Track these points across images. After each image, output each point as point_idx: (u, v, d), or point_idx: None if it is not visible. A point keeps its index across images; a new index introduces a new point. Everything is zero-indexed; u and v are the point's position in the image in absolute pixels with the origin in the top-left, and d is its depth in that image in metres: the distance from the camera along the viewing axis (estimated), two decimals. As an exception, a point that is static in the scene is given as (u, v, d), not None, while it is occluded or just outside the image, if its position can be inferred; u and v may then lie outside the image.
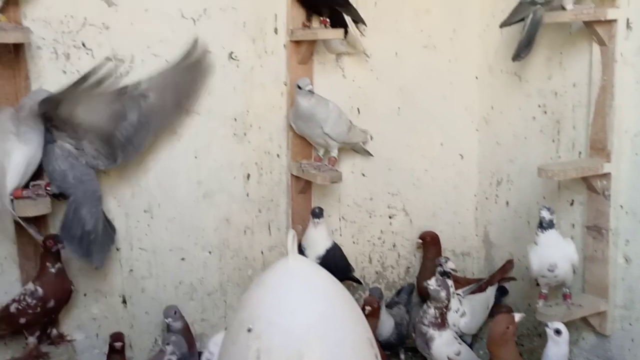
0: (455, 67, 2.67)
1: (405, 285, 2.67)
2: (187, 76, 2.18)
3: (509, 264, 2.57)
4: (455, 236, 2.79)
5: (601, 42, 2.08)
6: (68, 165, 1.95)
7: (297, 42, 2.34)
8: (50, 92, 1.88)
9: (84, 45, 2.09)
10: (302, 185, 2.44)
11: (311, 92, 2.21)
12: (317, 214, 2.29)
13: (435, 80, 2.65)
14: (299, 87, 2.22)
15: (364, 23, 2.38)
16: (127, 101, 2.00)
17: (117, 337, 2.10)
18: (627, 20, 2.03)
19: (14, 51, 1.92)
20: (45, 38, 2.03)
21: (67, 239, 1.90)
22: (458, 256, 2.81)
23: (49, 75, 2.05)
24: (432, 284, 2.08)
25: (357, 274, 2.61)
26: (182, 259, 2.36)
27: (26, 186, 1.92)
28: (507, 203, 2.64)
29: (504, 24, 2.26)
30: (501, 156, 2.64)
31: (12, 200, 1.87)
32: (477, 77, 2.69)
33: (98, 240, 1.96)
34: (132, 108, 2.02)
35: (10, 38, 1.79)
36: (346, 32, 2.33)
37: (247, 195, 2.43)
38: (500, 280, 2.53)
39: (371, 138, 2.56)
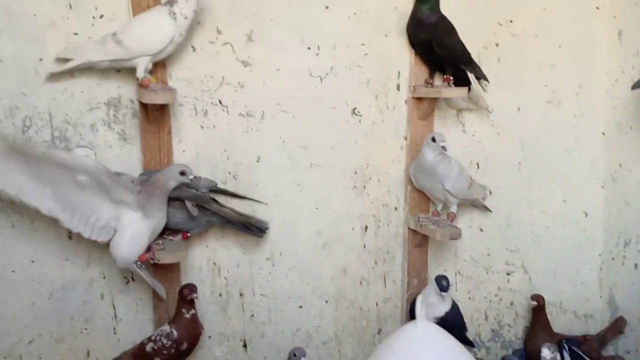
0: (580, 122, 2.59)
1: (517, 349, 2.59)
2: None
3: (621, 322, 2.46)
4: (577, 297, 2.67)
5: None
6: (186, 214, 2.09)
7: (419, 99, 2.38)
8: (182, 167, 2.01)
9: (220, 102, 2.23)
10: (419, 239, 2.44)
11: (444, 149, 2.23)
12: (445, 287, 2.24)
13: (558, 135, 2.59)
14: (433, 140, 2.24)
15: (486, 79, 2.39)
16: None
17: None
18: None
19: (160, 109, 2.09)
20: (186, 96, 2.19)
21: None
22: (580, 318, 2.69)
23: (188, 130, 2.20)
24: (545, 354, 1.99)
25: (472, 331, 2.57)
26: (300, 306, 2.42)
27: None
28: (636, 266, 2.50)
29: (636, 86, 2.18)
30: (630, 216, 2.52)
31: (139, 263, 2.01)
32: (603, 133, 2.60)
33: None
34: None
35: (160, 99, 1.95)
36: (469, 89, 2.35)
37: (364, 246, 2.47)
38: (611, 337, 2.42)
39: (490, 193, 2.53)
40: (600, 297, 2.67)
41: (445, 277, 2.26)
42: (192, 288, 2.04)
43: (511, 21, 2.47)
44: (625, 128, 2.52)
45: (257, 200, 2.27)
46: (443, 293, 2.24)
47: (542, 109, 2.56)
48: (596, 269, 2.67)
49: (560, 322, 2.65)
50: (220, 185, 2.23)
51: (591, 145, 2.61)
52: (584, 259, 2.66)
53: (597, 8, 2.54)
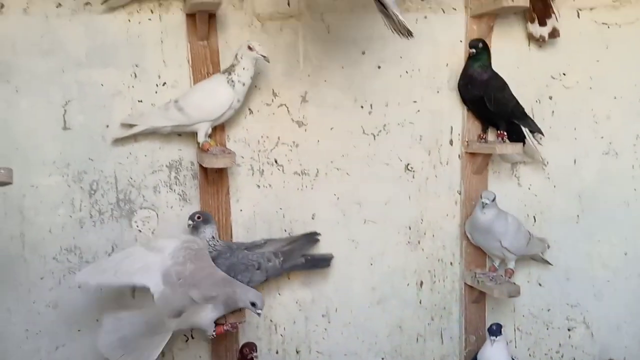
0: (638, 173, 2.54)
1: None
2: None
3: None
4: (644, 354, 2.58)
5: None
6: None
7: (473, 154, 2.38)
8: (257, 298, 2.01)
9: (276, 162, 2.29)
10: (476, 295, 2.41)
11: (484, 205, 2.21)
12: (495, 331, 2.23)
13: (617, 186, 2.54)
14: (483, 202, 2.21)
15: (541, 133, 2.37)
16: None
17: None
18: None
19: (218, 171, 2.15)
20: (244, 157, 2.25)
21: None
22: (647, 376, 2.59)
23: (245, 190, 2.26)
24: None
25: (533, 389, 2.50)
26: (356, 364, 2.41)
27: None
28: None
29: None
30: (697, 269, 2.43)
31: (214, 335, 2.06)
32: (665, 184, 2.54)
33: None
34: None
35: (220, 163, 2.01)
36: (524, 143, 2.34)
37: (420, 302, 2.45)
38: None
39: (548, 247, 2.49)
40: (669, 354, 2.57)
41: (496, 324, 2.23)
42: (252, 347, 2.06)
43: (564, 74, 2.46)
44: (688, 179, 2.46)
45: (314, 236, 2.28)
46: (492, 338, 2.20)
47: (599, 161, 2.52)
48: (663, 325, 2.58)
49: (626, 381, 2.56)
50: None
51: (652, 197, 2.55)
52: (648, 313, 2.58)
53: (652, 57, 2.51)
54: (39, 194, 2.08)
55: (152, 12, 2.11)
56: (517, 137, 2.35)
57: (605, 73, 2.49)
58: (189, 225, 2.07)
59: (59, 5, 2.03)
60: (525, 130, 2.35)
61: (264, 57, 2.04)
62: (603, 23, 2.47)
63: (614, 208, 2.54)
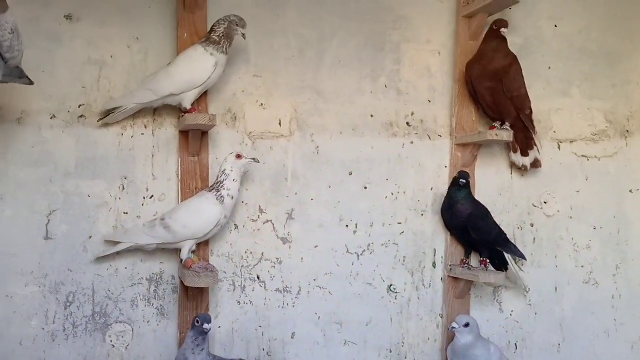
0: (619, 303, 2.55)
1: None
2: None
3: None
4: None
5: None
6: None
7: (455, 278, 2.38)
8: None
9: (258, 278, 2.26)
10: None
11: (454, 328, 2.18)
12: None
13: (597, 316, 2.54)
14: (455, 327, 2.20)
15: (524, 258, 2.39)
16: None
17: None
18: None
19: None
20: (226, 272, 2.23)
21: None
22: None
23: (225, 306, 2.22)
24: None
25: None
26: None
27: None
28: None
29: None
30: (678, 407, 2.40)
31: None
32: (645, 316, 2.56)
33: None
34: None
35: (202, 283, 1.98)
36: (506, 268, 2.36)
37: None
38: None
39: (530, 376, 2.46)
40: None
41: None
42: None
43: (545, 202, 2.52)
44: (667, 312, 2.47)
45: None
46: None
47: (579, 290, 2.54)
48: None
49: None
50: (253, 363, 2.21)
51: (631, 328, 2.55)
52: None
53: (630, 191, 2.58)
54: (14, 304, 2.03)
55: (145, 127, 2.15)
56: (500, 262, 2.37)
57: (586, 203, 2.55)
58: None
59: (53, 117, 2.07)
60: (508, 257, 2.37)
61: (254, 159, 2.08)
62: (583, 155, 2.56)
63: (595, 338, 2.53)
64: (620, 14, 2.59)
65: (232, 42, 2.09)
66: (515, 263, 2.41)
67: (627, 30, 2.60)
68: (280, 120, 2.31)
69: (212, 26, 2.09)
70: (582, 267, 2.54)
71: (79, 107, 2.09)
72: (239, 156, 2.08)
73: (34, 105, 2.05)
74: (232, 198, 2.07)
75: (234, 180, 2.07)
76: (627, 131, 2.60)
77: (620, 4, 2.59)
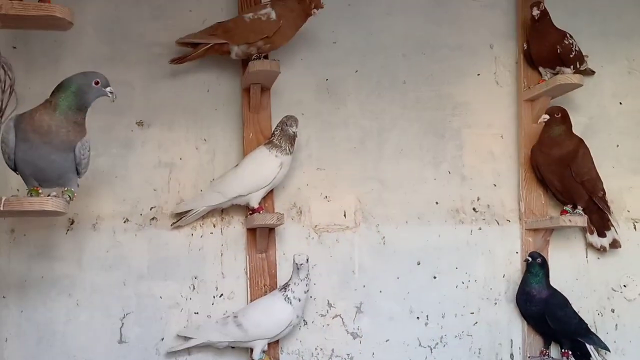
0: None
1: None
2: None
3: None
4: None
5: None
6: None
7: (537, 374, 2.27)
8: None
9: (330, 378, 2.21)
10: None
11: None
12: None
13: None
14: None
15: (607, 349, 2.26)
16: None
17: None
18: None
19: (270, 386, 2.09)
20: (298, 371, 2.19)
21: None
22: None
23: (296, 406, 2.17)
24: None
25: None
26: None
27: None
28: None
29: None
30: None
31: None
32: None
33: None
34: None
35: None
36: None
37: None
38: None
39: None
40: None
41: None
42: None
43: (625, 285, 2.41)
44: None
45: None
46: None
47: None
48: None
49: None
50: None
51: None
52: None
53: None
54: (90, 410, 2.03)
55: (214, 226, 2.18)
56: (581, 353, 2.24)
57: (669, 284, 2.42)
58: None
59: (127, 220, 2.12)
60: (590, 348, 2.24)
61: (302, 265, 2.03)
62: (661, 234, 2.45)
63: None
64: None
65: (293, 142, 2.12)
66: (598, 354, 2.28)
67: (694, 104, 2.53)
68: (345, 212, 2.31)
69: (273, 130, 2.13)
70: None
71: (151, 209, 2.14)
72: (297, 264, 2.03)
73: (108, 210, 2.11)
74: (300, 300, 2.04)
75: (296, 283, 2.04)
76: None
77: (683, 78, 2.53)
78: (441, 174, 2.39)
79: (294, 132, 2.10)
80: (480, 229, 2.37)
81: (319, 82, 2.34)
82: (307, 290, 2.07)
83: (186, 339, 2.07)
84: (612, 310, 2.39)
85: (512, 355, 2.32)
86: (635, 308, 2.40)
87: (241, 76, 2.20)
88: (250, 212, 2.11)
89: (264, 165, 2.07)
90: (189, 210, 2.10)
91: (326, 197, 2.30)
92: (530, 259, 2.21)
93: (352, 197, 2.31)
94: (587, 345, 2.24)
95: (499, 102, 2.45)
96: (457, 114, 2.43)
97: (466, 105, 2.44)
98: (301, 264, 2.01)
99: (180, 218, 2.11)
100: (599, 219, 2.33)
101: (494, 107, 2.45)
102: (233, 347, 2.11)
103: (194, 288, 2.14)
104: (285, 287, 2.05)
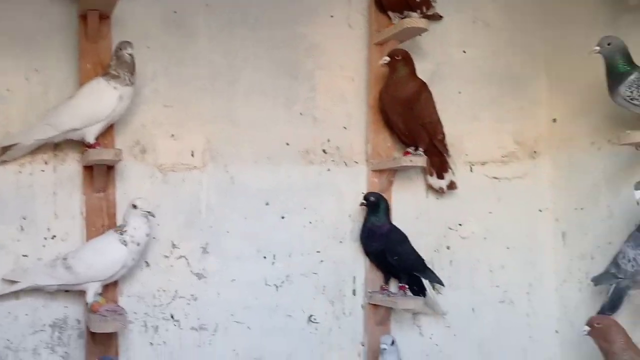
0: (533, 321, 2.62)
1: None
2: None
3: None
4: None
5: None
6: None
7: (375, 305, 2.37)
8: None
9: (172, 317, 2.18)
10: None
11: (393, 347, 2.20)
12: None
13: (513, 334, 2.59)
14: (385, 347, 2.20)
15: (441, 284, 2.41)
16: None
17: None
18: None
19: (109, 331, 2.02)
20: (137, 312, 2.13)
21: None
22: None
23: (137, 348, 2.13)
24: None
25: None
26: None
27: None
28: None
29: (596, 283, 2.25)
30: (591, 419, 2.48)
31: None
32: (557, 331, 2.62)
33: None
34: None
35: (110, 328, 1.89)
36: (424, 295, 2.37)
37: None
38: None
39: (451, 399, 2.47)
40: None
41: None
42: None
43: (460, 225, 2.56)
44: (579, 327, 2.54)
45: None
46: None
47: (495, 309, 2.59)
48: None
49: None
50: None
51: (546, 344, 2.62)
52: None
53: (540, 211, 2.67)
54: None
55: (45, 163, 2.04)
56: (418, 288, 2.37)
57: (498, 224, 2.61)
58: None
59: (-58, 154, 1.92)
60: (426, 283, 2.38)
61: (149, 213, 1.97)
62: (494, 177, 2.62)
63: (512, 356, 2.58)
64: (523, 40, 2.69)
65: (133, 70, 1.99)
66: (434, 288, 2.42)
67: (530, 55, 2.69)
68: (192, 151, 2.24)
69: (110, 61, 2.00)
70: (497, 287, 2.59)
71: (-28, 143, 1.95)
72: (134, 206, 1.97)
73: None
74: (138, 245, 1.97)
75: (135, 228, 1.96)
76: (535, 152, 2.68)
77: (523, 30, 2.68)
78: (293, 115, 2.39)
79: (129, 55, 1.96)
80: (329, 170, 2.41)
81: (166, 13, 2.23)
82: (149, 234, 2.00)
83: (12, 282, 1.94)
84: (448, 248, 2.54)
85: (354, 291, 2.41)
86: (468, 245, 2.57)
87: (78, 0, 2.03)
88: (86, 148, 1.98)
89: (101, 97, 1.94)
90: (16, 144, 1.92)
91: (173, 135, 2.21)
92: (364, 201, 2.28)
93: (201, 136, 2.25)
94: (423, 280, 2.38)
95: (351, 45, 2.46)
96: (310, 55, 2.42)
97: (319, 47, 2.43)
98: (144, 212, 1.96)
99: (4, 152, 1.94)
100: (439, 162, 2.44)
101: (346, 50, 2.46)
102: (66, 290, 2.01)
103: (22, 229, 2.00)
104: (122, 228, 1.96)
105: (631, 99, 2.02)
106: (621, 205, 2.35)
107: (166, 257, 2.18)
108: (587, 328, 1.98)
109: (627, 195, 2.30)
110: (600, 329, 1.96)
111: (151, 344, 2.14)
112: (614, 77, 2.06)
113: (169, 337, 2.16)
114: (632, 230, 2.16)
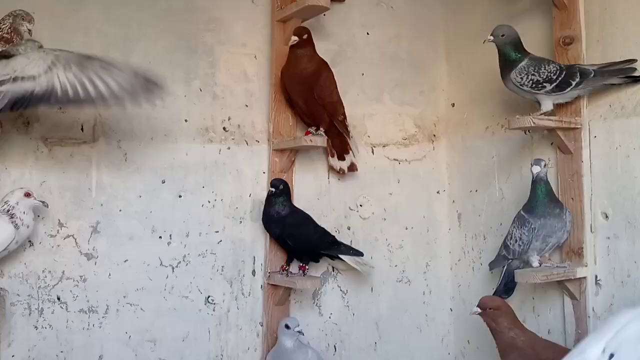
0: (429, 299, 2.70)
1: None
2: None
3: None
4: None
5: (572, 297, 2.14)
6: None
7: (274, 285, 2.36)
8: None
9: (58, 299, 2.07)
10: None
11: (301, 333, 2.19)
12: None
13: (410, 313, 2.66)
14: (287, 327, 2.19)
15: (360, 254, 2.39)
16: None
17: None
18: (596, 277, 2.12)
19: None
20: (20, 294, 2.01)
21: None
22: None
23: (20, 332, 2.01)
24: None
25: None
26: None
27: None
28: None
29: (492, 268, 2.33)
30: (480, 393, 2.59)
31: None
32: (451, 309, 2.72)
33: None
34: None
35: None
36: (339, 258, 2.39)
37: None
38: None
39: (348, 376, 2.51)
40: None
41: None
42: None
43: (361, 205, 2.59)
44: (470, 305, 2.63)
45: None
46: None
47: (393, 288, 2.64)
48: None
49: None
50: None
51: (441, 322, 2.70)
52: None
53: (438, 192, 2.74)
54: None
55: None
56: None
57: (398, 205, 2.66)
58: None
59: None
60: (347, 258, 2.36)
61: (43, 203, 1.89)
62: (395, 159, 2.66)
63: (408, 334, 2.65)
64: (425, 25, 2.74)
65: (22, 39, 1.88)
66: (361, 265, 2.41)
67: (432, 40, 2.75)
68: (82, 125, 2.13)
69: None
70: (396, 266, 2.65)
71: None
72: (27, 194, 1.89)
73: None
74: (28, 227, 1.89)
75: (24, 212, 1.88)
76: (434, 135, 2.75)
77: (425, 15, 2.73)
78: (192, 91, 2.32)
79: (29, 30, 1.89)
80: (229, 148, 2.36)
81: (52, -23, 2.10)
82: (35, 218, 1.92)
83: None
84: (349, 228, 2.56)
85: (253, 272, 2.39)
86: (368, 225, 2.60)
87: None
88: (-40, 119, 1.84)
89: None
90: None
91: (60, 107, 2.08)
92: (273, 189, 2.24)
93: (91, 109, 2.13)
94: (343, 257, 2.38)
95: (253, 21, 2.42)
96: (211, 29, 2.35)
97: (221, 21, 2.37)
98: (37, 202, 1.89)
99: None
100: (340, 143, 2.44)
101: (249, 26, 2.42)
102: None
103: None
104: (8, 210, 1.85)
105: (521, 85, 2.10)
106: (511, 188, 2.46)
107: (52, 236, 2.06)
108: (477, 309, 2.05)
109: (517, 177, 2.43)
110: (489, 309, 2.03)
111: (35, 327, 2.03)
112: (506, 64, 2.13)
113: (55, 320, 2.05)
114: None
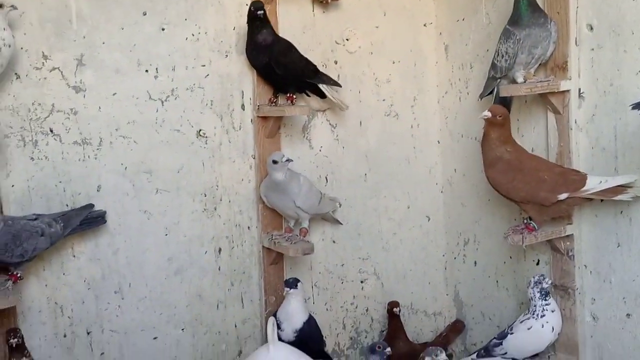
0: (417, 132, 2.75)
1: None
2: None
3: (459, 324, 2.77)
4: (426, 297, 2.83)
5: (556, 111, 2.19)
6: None
7: (265, 117, 2.39)
8: None
9: (51, 131, 2.10)
10: (274, 256, 2.45)
11: (288, 161, 2.24)
12: (291, 283, 2.31)
13: (398, 145, 2.72)
14: (275, 162, 2.25)
15: (338, 85, 2.44)
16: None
17: None
18: (579, 90, 2.15)
19: (-20, 142, 1.93)
20: (12, 126, 2.04)
21: None
22: (430, 316, 2.84)
23: (17, 163, 2.06)
24: None
25: (331, 341, 2.62)
26: (155, 338, 2.32)
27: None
28: (475, 263, 2.70)
29: (481, 96, 2.35)
30: (467, 217, 2.71)
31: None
32: (439, 142, 2.78)
33: None
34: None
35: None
36: (324, 96, 2.42)
37: (219, 269, 2.43)
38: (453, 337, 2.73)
39: (340, 205, 2.60)
40: (447, 294, 2.84)
41: (292, 278, 2.35)
42: (12, 332, 1.91)
43: (347, 39, 2.57)
44: (457, 136, 2.71)
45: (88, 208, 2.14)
46: (287, 289, 2.29)
47: (382, 122, 2.68)
48: (441, 269, 2.84)
49: (412, 322, 2.78)
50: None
51: (428, 154, 2.78)
52: (429, 260, 2.82)
53: (425, 25, 2.71)
54: None
55: None
56: (317, 93, 2.41)
57: (384, 39, 2.64)
58: None
59: None
60: (323, 87, 2.39)
61: (13, 6, 1.85)
62: (380, -10, 2.62)
63: (397, 165, 2.73)
64: None
65: None
66: (333, 96, 2.44)
67: None
68: (56, -46, 2.05)
69: None
70: (384, 100, 2.67)
71: None
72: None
73: None
74: (10, 47, 1.85)
75: (4, 29, 1.84)
76: (412, -33, 2.67)
77: None
78: None
79: None
80: (209, -22, 2.30)
81: None
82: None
83: None
84: (335, 62, 2.56)
85: (243, 106, 2.41)
86: (355, 60, 2.59)
87: None
88: None
89: None
90: None
91: None
92: (259, 12, 2.18)
93: None
94: (320, 85, 2.39)
95: None
96: None
97: None
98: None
99: None
100: (323, -29, 2.39)
101: None
102: None
103: None
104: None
105: None
106: (498, 12, 2.43)
107: (37, 69, 2.06)
108: (487, 113, 2.08)
109: (504, 1, 2.39)
110: (498, 116, 2.07)
111: (32, 158, 2.07)
112: None
113: (51, 151, 2.10)
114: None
